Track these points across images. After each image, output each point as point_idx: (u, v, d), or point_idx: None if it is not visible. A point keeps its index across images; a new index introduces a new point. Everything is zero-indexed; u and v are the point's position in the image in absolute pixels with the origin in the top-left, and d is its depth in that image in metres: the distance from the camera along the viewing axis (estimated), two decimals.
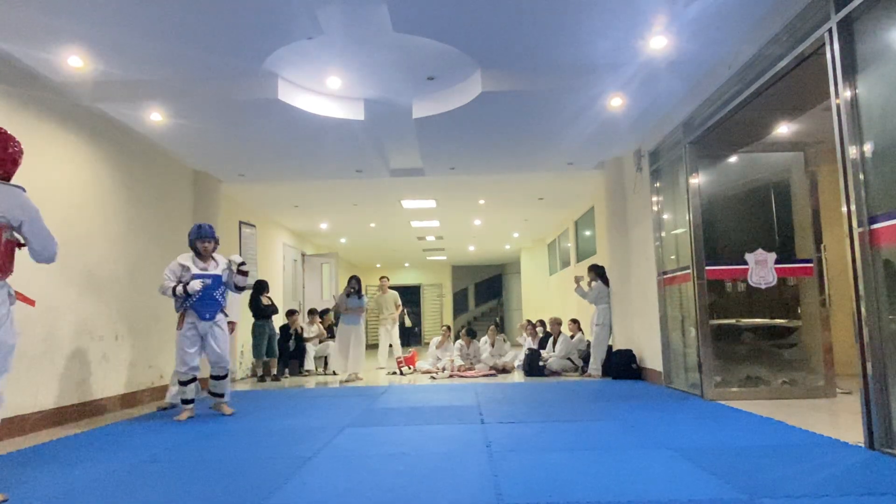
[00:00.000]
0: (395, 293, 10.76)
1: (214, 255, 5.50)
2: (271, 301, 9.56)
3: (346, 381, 8.66)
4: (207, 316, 5.30)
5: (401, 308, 10.74)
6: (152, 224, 6.95)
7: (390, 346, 10.39)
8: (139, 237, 6.66)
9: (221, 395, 5.50)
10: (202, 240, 5.36)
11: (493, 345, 9.81)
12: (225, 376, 5.46)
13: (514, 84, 5.58)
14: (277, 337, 9.60)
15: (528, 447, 3.76)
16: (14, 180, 4.77)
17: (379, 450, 3.79)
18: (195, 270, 5.30)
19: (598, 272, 8.53)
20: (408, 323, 17.41)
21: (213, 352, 5.35)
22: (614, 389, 6.61)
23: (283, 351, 9.75)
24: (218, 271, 5.40)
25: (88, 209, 5.79)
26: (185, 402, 5.36)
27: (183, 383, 5.36)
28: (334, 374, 9.36)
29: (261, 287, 9.29)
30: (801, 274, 5.88)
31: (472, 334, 9.84)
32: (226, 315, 5.53)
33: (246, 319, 9.03)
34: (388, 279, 11.03)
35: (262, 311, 9.20)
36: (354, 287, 8.89)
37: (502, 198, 10.80)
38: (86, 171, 5.79)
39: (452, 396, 6.41)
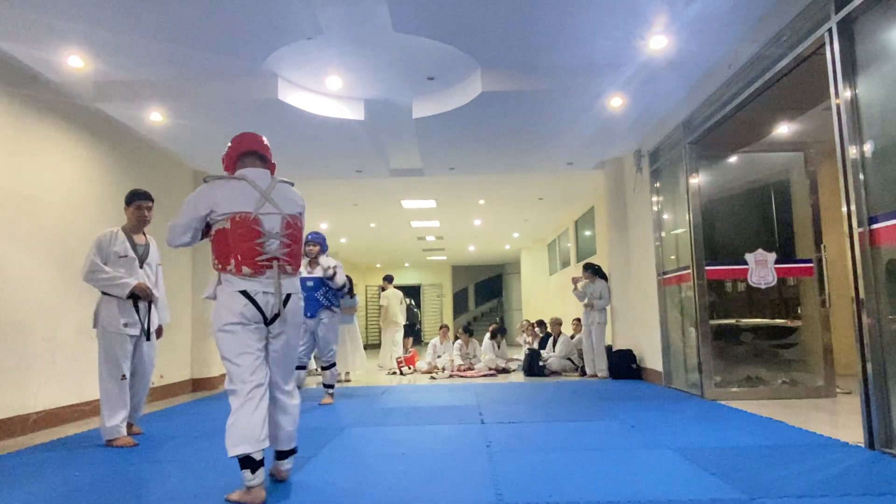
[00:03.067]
0: (399, 292, 10.92)
1: (321, 258, 6.18)
2: None
3: (345, 381, 8.66)
4: (308, 314, 5.98)
5: (406, 303, 11.04)
6: (152, 224, 6.92)
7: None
8: None
9: (330, 387, 6.17)
10: (305, 244, 6.05)
11: (499, 346, 9.83)
12: (327, 367, 6.19)
13: (514, 84, 5.58)
14: None
15: (528, 447, 3.76)
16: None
17: (379, 450, 3.79)
18: (303, 273, 6.00)
19: (594, 270, 8.48)
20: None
21: (318, 345, 6.18)
22: (614, 389, 6.61)
23: None
24: (319, 273, 6.05)
25: (88, 209, 5.78)
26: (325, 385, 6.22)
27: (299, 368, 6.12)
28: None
29: None
30: (801, 274, 5.88)
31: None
32: (333, 312, 6.17)
33: None
34: (391, 278, 11.15)
35: None
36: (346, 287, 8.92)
37: (502, 198, 10.80)
38: (86, 171, 5.79)
39: (452, 396, 6.41)
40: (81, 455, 3.87)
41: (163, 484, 3.11)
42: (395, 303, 10.79)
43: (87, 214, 5.75)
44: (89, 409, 5.56)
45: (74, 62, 4.94)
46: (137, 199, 4.49)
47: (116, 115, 6.06)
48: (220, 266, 2.79)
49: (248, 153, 2.93)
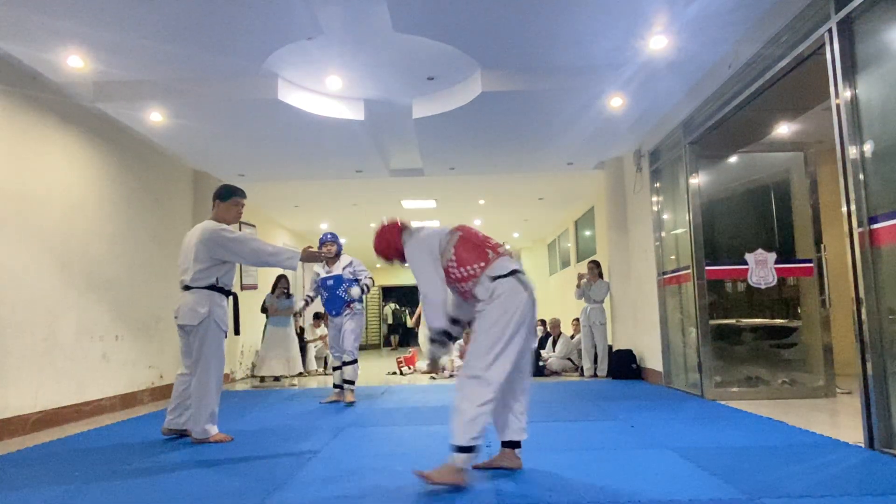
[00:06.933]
0: None
1: (342, 256, 6.16)
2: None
3: (293, 384, 8.42)
4: (333, 312, 6.07)
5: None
6: (152, 224, 6.95)
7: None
8: (139, 237, 6.66)
9: (349, 382, 6.03)
10: (322, 245, 6.06)
11: None
12: (349, 363, 6.03)
13: (514, 84, 5.57)
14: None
15: (528, 447, 3.75)
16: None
17: (379, 450, 3.79)
18: (322, 274, 6.12)
19: (601, 270, 8.53)
20: (409, 323, 17.63)
21: (342, 340, 6.08)
22: (614, 389, 6.61)
23: None
24: (339, 271, 6.03)
25: (88, 209, 5.79)
26: (334, 385, 6.22)
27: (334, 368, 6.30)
28: (276, 380, 8.66)
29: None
30: (801, 274, 5.88)
31: None
32: (356, 307, 6.08)
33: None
34: None
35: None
36: (284, 288, 8.69)
37: (502, 198, 10.80)
38: (85, 171, 5.80)
39: (452, 397, 6.40)
40: (81, 455, 3.87)
41: (163, 484, 3.10)
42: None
43: (87, 214, 5.75)
44: (89, 409, 5.57)
45: (74, 62, 4.94)
46: (234, 196, 4.47)
47: (116, 115, 6.05)
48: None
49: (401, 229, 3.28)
